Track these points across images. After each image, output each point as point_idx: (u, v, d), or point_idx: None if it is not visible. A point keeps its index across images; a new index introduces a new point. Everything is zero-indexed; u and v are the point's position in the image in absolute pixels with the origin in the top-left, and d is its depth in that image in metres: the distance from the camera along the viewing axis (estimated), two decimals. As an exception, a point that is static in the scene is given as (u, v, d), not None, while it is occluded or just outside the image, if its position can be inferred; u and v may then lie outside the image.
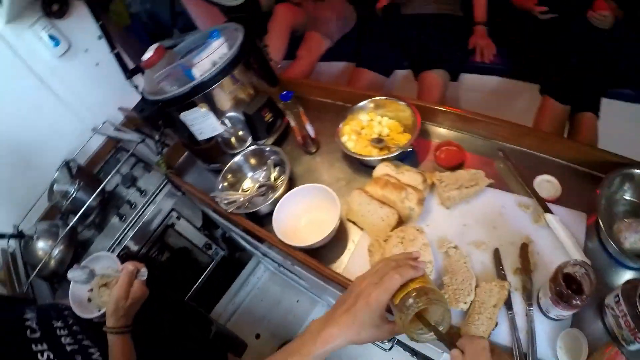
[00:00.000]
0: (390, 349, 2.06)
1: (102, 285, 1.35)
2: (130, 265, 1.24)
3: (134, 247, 2.02)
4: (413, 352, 2.12)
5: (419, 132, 1.37)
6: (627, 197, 1.22)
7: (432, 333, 0.77)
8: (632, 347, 1.00)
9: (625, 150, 1.23)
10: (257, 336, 2.57)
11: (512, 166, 1.33)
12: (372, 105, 1.52)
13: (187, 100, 1.40)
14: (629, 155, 1.22)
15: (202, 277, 2.32)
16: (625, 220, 1.13)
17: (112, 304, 1.18)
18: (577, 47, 1.94)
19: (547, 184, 1.30)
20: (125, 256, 1.99)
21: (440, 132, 1.50)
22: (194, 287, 2.30)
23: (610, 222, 1.16)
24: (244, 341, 2.43)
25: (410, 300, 0.75)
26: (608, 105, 1.88)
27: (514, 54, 2.31)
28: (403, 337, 1.84)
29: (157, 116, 1.47)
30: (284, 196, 1.37)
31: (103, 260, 1.38)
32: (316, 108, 1.68)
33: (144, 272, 1.27)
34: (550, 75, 1.99)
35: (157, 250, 2.10)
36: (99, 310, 1.26)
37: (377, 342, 1.99)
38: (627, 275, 1.13)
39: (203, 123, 1.47)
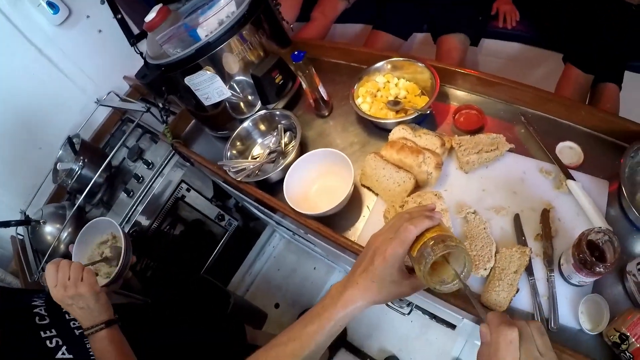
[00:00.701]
0: (409, 313, 2.05)
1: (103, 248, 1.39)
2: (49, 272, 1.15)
3: (145, 223, 1.99)
4: (432, 316, 2.14)
5: (437, 95, 1.34)
6: None
7: (454, 282, 0.76)
8: None
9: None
10: (277, 305, 2.58)
11: (534, 131, 1.30)
12: (389, 66, 1.49)
13: (191, 63, 1.35)
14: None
15: (217, 249, 2.31)
16: None
17: (68, 310, 1.13)
18: (605, 19, 1.89)
19: (569, 151, 1.28)
20: (136, 233, 1.97)
21: (460, 95, 1.47)
22: (209, 260, 2.30)
23: (634, 190, 1.15)
24: (264, 311, 2.44)
25: (428, 249, 0.73)
26: (630, 78, 1.86)
27: (538, 21, 2.25)
28: (421, 301, 1.87)
29: (161, 82, 1.43)
30: (295, 162, 1.34)
31: (99, 227, 1.40)
32: (329, 70, 1.64)
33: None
34: (576, 44, 1.94)
35: (169, 225, 2.07)
36: (107, 275, 1.29)
37: (396, 307, 1.99)
38: None
39: (209, 87, 1.42)
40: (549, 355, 0.58)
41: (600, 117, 1.28)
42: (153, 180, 1.96)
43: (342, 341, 2.27)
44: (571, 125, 1.33)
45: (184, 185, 2.04)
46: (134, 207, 1.95)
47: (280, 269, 2.76)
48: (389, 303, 1.98)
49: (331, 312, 0.76)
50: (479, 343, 0.67)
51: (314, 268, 2.67)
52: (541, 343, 0.60)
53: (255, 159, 1.51)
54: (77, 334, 1.14)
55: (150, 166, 1.97)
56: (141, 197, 1.95)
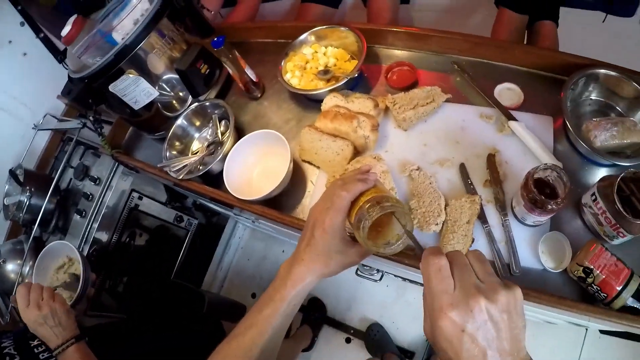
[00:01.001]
0: (380, 279, 2.05)
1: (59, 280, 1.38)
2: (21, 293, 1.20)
3: (104, 239, 1.92)
4: (404, 278, 2.12)
5: (365, 56, 1.29)
6: (594, 97, 1.22)
7: (398, 243, 0.72)
8: (615, 242, 0.99)
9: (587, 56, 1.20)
10: (253, 295, 2.55)
11: (469, 78, 1.26)
12: (313, 37, 1.43)
13: (113, 70, 1.28)
14: (590, 59, 1.18)
15: (182, 251, 2.25)
16: (594, 120, 1.10)
17: (38, 330, 1.16)
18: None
19: (508, 92, 1.25)
20: (96, 252, 1.89)
21: (392, 53, 1.42)
22: (177, 263, 2.24)
23: (579, 123, 1.13)
24: (242, 304, 2.37)
25: (364, 213, 0.69)
26: (566, 13, 1.82)
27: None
28: (385, 267, 1.86)
29: (86, 94, 1.35)
30: (232, 149, 1.29)
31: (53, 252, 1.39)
32: (258, 50, 1.58)
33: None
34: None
35: (129, 236, 1.99)
36: (69, 298, 1.28)
37: (366, 275, 1.98)
38: (601, 172, 1.11)
39: (135, 90, 1.35)
40: (489, 280, 0.53)
41: (536, 54, 1.26)
42: (102, 195, 1.87)
43: (323, 318, 2.27)
44: (507, 66, 1.30)
45: (135, 194, 1.95)
46: (89, 227, 1.87)
47: (250, 259, 2.73)
48: (359, 272, 2.00)
49: (282, 293, 0.74)
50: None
51: (282, 251, 2.65)
52: (480, 269, 0.55)
53: (196, 154, 1.45)
54: None
55: (97, 182, 1.88)
56: (94, 215, 1.87)
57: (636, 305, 0.92)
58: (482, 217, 1.09)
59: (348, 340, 2.23)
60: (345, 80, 1.27)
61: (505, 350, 0.50)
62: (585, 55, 1.19)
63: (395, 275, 2.09)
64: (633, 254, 1.00)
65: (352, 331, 2.24)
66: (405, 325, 2.18)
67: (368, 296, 2.28)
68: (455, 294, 0.52)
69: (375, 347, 2.11)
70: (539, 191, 0.93)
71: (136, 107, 1.40)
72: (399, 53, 1.41)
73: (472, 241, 1.05)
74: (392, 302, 2.23)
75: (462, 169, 1.15)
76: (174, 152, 1.45)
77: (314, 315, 2.23)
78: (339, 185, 0.75)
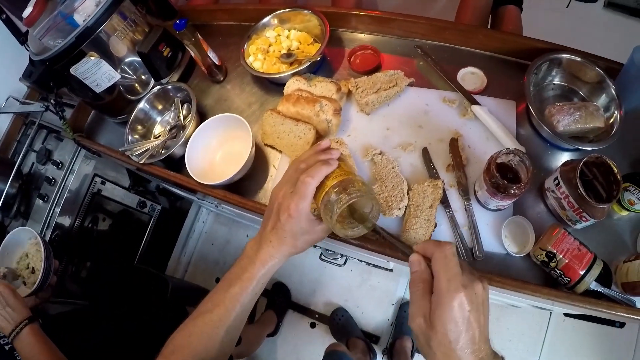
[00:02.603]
0: (344, 263, 2.05)
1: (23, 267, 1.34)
2: None
3: (67, 224, 1.83)
4: (368, 262, 2.09)
5: (328, 40, 1.23)
6: (557, 81, 1.18)
7: (360, 226, 0.71)
8: (578, 226, 0.97)
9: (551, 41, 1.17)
10: (217, 280, 2.44)
11: (432, 62, 1.21)
12: (276, 20, 1.35)
13: (74, 52, 1.21)
14: (553, 44, 1.16)
15: (145, 236, 2.16)
16: (557, 104, 1.07)
17: None
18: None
19: (471, 76, 1.21)
20: (58, 237, 1.81)
21: (356, 37, 1.35)
22: (140, 248, 2.15)
23: (541, 107, 1.11)
24: (206, 288, 2.30)
25: (332, 199, 0.68)
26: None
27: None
28: (348, 251, 1.85)
29: (48, 77, 1.28)
30: (194, 133, 1.21)
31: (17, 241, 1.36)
32: (221, 33, 1.50)
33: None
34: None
35: (91, 221, 1.91)
36: (34, 284, 1.24)
37: (330, 259, 1.99)
38: (563, 157, 1.09)
39: (97, 73, 1.28)
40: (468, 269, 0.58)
41: (500, 39, 1.22)
42: (65, 179, 1.79)
43: (287, 303, 2.22)
44: (470, 50, 1.26)
45: (97, 179, 1.86)
46: (52, 211, 1.79)
47: (214, 243, 2.65)
48: (323, 257, 2.02)
49: (251, 272, 0.73)
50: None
51: (247, 235, 2.55)
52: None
53: (158, 137, 1.37)
54: (7, 349, 1.12)
55: (60, 166, 1.79)
56: (57, 200, 1.79)
57: (599, 289, 0.90)
58: (444, 202, 1.04)
59: (313, 325, 2.19)
60: (308, 63, 1.20)
61: (484, 335, 0.55)
62: (549, 40, 1.16)
63: (359, 260, 2.06)
64: (595, 238, 0.98)
65: (316, 316, 2.19)
66: (370, 310, 2.14)
67: (332, 280, 2.23)
68: (464, 276, 0.55)
69: (340, 331, 2.07)
70: (501, 176, 0.90)
71: (98, 90, 1.32)
72: (362, 37, 1.34)
73: (435, 226, 1.00)
74: (357, 286, 2.19)
75: (425, 153, 1.10)
76: (136, 136, 1.37)
77: (279, 300, 2.18)
78: (302, 170, 0.73)
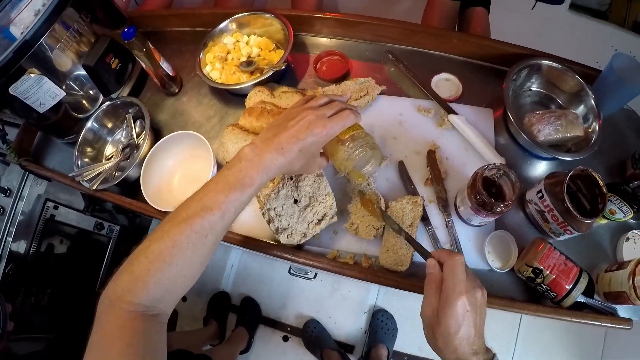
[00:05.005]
0: (314, 277, 1.98)
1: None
2: None
3: (22, 251, 1.66)
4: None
5: (292, 46, 1.12)
6: (534, 88, 1.14)
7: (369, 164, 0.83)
8: (561, 238, 0.93)
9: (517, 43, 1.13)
10: (184, 299, 2.26)
11: (404, 68, 1.13)
12: (234, 25, 1.23)
13: (12, 69, 1.05)
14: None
15: (105, 259, 1.99)
16: (536, 112, 1.02)
17: None
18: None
19: (446, 83, 1.14)
20: (12, 270, 1.64)
21: (320, 42, 1.25)
22: (101, 272, 1.97)
23: (519, 114, 1.05)
24: (174, 309, 2.15)
25: (357, 145, 0.78)
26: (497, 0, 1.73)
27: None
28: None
29: (-19, 100, 1.14)
30: (148, 154, 1.08)
31: None
32: (175, 40, 1.37)
33: None
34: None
35: (47, 246, 1.74)
36: None
37: (301, 274, 1.92)
38: (542, 165, 1.05)
39: (39, 91, 1.12)
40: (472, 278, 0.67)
41: (475, 43, 1.15)
42: (14, 207, 1.62)
43: (258, 317, 2.10)
44: (444, 55, 1.18)
45: (50, 204, 1.69)
46: (3, 241, 1.61)
47: None
48: (293, 271, 1.94)
49: (252, 176, 0.67)
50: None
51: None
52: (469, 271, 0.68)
53: (110, 159, 1.22)
54: None
55: (8, 193, 1.61)
56: (7, 229, 1.62)
57: (583, 299, 0.87)
58: (425, 218, 0.96)
59: (285, 339, 2.08)
60: (271, 72, 1.09)
61: (480, 332, 0.63)
62: (516, 43, 1.12)
63: (328, 274, 1.96)
64: (575, 247, 0.96)
65: (288, 329, 2.08)
66: (343, 320, 2.05)
67: (302, 292, 2.13)
68: (467, 282, 0.64)
69: (313, 343, 1.98)
70: (487, 193, 0.83)
71: (41, 110, 1.17)
72: (328, 41, 1.25)
73: None
74: (328, 296, 2.09)
75: (402, 167, 1.02)
76: (86, 160, 1.22)
77: (248, 315, 2.06)
78: (340, 106, 0.76)
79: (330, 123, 0.71)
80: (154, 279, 0.61)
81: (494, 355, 0.64)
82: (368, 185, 0.97)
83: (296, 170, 0.75)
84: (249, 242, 0.98)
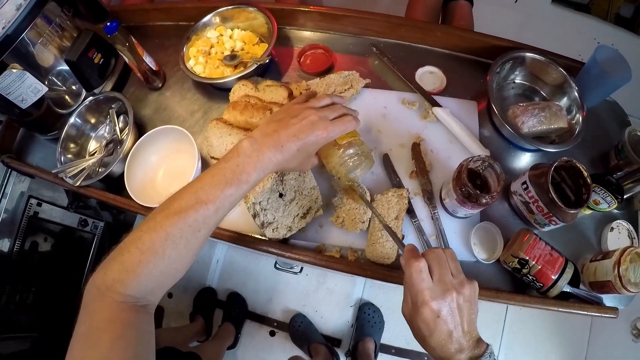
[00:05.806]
0: (300, 271, 1.99)
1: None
2: None
3: (5, 249, 1.62)
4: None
5: (276, 39, 1.10)
6: (518, 80, 1.13)
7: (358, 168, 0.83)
8: (546, 229, 0.93)
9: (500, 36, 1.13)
10: (170, 296, 2.24)
11: (388, 61, 1.12)
12: (217, 19, 1.21)
13: None
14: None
15: (90, 257, 1.96)
16: (520, 104, 1.02)
17: None
18: None
19: (430, 76, 1.13)
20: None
21: (304, 35, 1.24)
22: (85, 270, 1.94)
23: (503, 106, 1.05)
24: (160, 306, 2.14)
25: (353, 152, 0.80)
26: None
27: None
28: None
29: (-36, 96, 1.11)
30: (132, 150, 1.06)
31: None
32: (158, 34, 1.34)
33: None
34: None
35: (31, 244, 1.70)
36: None
37: (286, 269, 1.94)
38: (526, 157, 1.04)
39: (21, 87, 1.09)
40: (459, 276, 0.63)
41: (459, 36, 1.14)
42: (-4, 206, 1.57)
43: (244, 313, 2.08)
44: (428, 48, 1.18)
45: (33, 201, 1.66)
46: (-15, 241, 1.58)
47: None
48: (278, 265, 1.97)
49: (249, 172, 0.66)
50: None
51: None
52: (453, 267, 0.64)
53: (93, 155, 1.19)
54: None
55: (-10, 191, 1.57)
56: (-11, 229, 1.59)
57: (569, 289, 0.87)
58: (410, 211, 0.95)
59: (272, 334, 2.06)
60: (255, 66, 1.07)
61: (464, 330, 0.61)
62: (500, 36, 1.11)
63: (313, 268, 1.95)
64: (560, 238, 0.96)
65: (275, 324, 2.07)
66: (329, 313, 2.04)
67: (289, 287, 2.11)
68: (435, 288, 0.61)
69: (300, 338, 1.96)
70: (470, 182, 0.82)
71: (24, 106, 1.14)
72: (312, 35, 1.23)
73: (402, 238, 0.91)
74: (314, 290, 2.08)
75: (386, 160, 1.01)
76: (69, 156, 1.19)
77: (235, 311, 2.04)
78: (342, 111, 0.76)
79: (332, 126, 0.71)
80: (145, 270, 0.60)
81: (487, 347, 0.61)
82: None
83: (291, 168, 0.74)
84: (235, 237, 0.96)
